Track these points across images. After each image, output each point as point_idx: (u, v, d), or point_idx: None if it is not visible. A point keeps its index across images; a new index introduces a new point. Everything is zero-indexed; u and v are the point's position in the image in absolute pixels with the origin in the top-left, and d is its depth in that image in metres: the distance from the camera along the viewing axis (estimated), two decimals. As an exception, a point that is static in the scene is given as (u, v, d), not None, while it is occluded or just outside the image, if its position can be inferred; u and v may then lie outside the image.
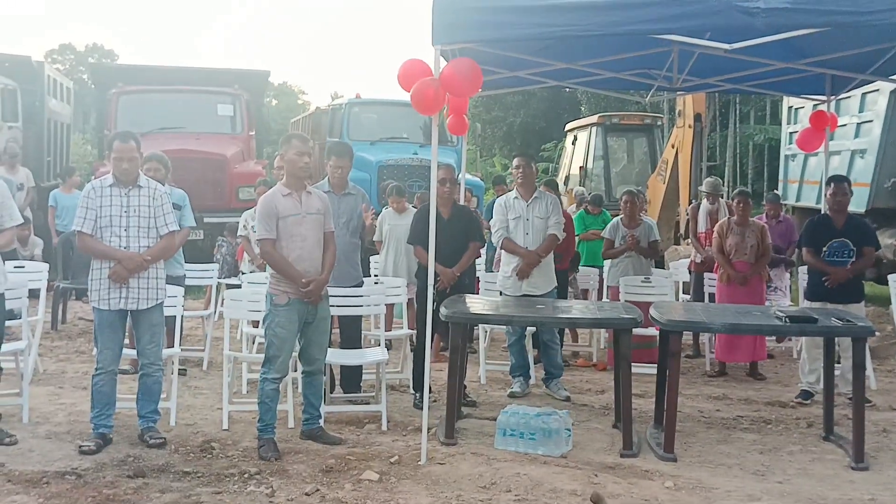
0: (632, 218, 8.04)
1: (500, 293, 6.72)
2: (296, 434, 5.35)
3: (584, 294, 8.76)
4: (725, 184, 28.74)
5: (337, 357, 5.96)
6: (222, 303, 7.25)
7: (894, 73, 7.04)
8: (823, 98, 7.78)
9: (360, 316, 6.28)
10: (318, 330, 5.18)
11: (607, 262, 8.38)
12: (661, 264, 10.39)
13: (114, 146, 5.18)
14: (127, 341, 5.40)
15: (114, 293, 5.02)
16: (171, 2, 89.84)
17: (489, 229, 8.80)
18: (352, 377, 6.21)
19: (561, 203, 7.42)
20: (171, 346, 5.82)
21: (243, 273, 7.98)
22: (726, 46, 5.20)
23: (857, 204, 11.28)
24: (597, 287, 8.82)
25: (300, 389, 5.47)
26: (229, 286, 8.18)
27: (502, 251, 6.72)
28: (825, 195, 6.65)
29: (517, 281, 6.51)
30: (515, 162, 6.76)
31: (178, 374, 5.98)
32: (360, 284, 6.19)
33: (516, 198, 6.62)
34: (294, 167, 5.09)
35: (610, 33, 5.10)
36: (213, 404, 6.02)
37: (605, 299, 8.65)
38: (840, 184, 6.50)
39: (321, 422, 5.32)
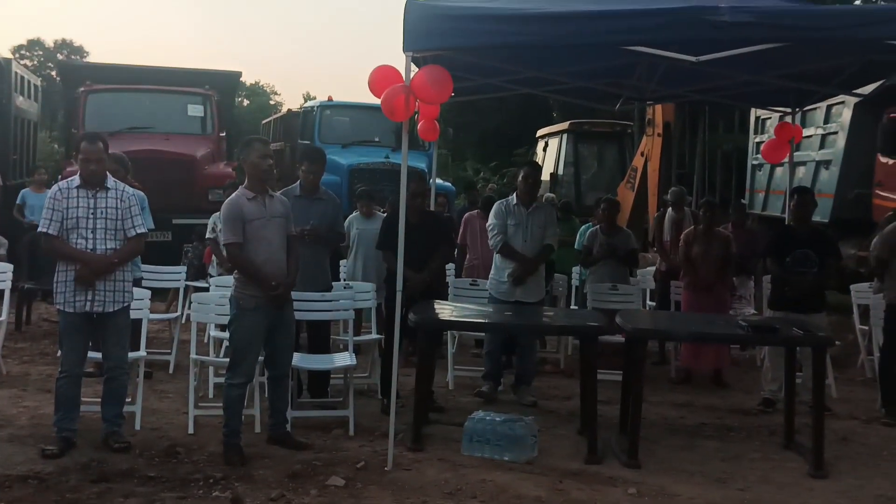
0: (611, 225, 8.08)
1: (490, 298, 6.75)
2: (262, 439, 5.33)
3: (554, 300, 8.83)
4: (694, 192, 29.04)
5: (305, 362, 5.95)
6: (189, 305, 7.21)
7: (857, 87, 7.20)
8: (788, 110, 7.91)
9: (329, 321, 6.27)
10: (284, 334, 5.17)
11: (577, 270, 8.45)
12: (634, 271, 10.50)
13: (81, 147, 5.14)
14: (92, 344, 5.34)
15: (79, 296, 4.98)
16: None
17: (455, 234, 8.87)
18: (319, 382, 6.20)
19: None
20: (136, 349, 5.77)
21: (211, 276, 7.93)
22: (692, 59, 5.28)
23: (822, 214, 11.49)
24: (565, 293, 8.89)
25: (266, 394, 5.45)
26: (196, 289, 8.14)
27: (496, 256, 6.74)
28: (789, 206, 6.77)
29: (511, 287, 6.55)
30: (525, 171, 6.82)
31: (144, 377, 5.94)
32: (328, 289, 6.19)
33: (517, 204, 6.65)
34: (258, 170, 5.07)
35: (578, 43, 5.16)
36: (178, 408, 5.98)
37: (573, 306, 8.73)
38: (803, 195, 6.63)
39: (287, 427, 5.31)
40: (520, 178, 6.78)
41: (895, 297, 6.49)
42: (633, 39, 5.02)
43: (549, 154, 15.84)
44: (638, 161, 12.80)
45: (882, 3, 31.71)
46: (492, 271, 6.78)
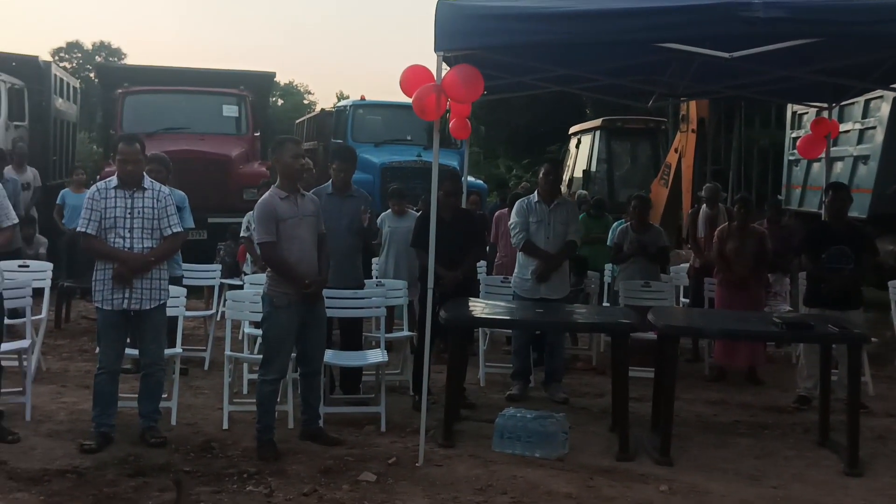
0: (641, 223, 8.04)
1: (514, 295, 6.76)
2: (295, 435, 5.40)
3: (587, 297, 8.81)
4: (729, 188, 28.79)
5: (337, 358, 6.01)
6: (224, 303, 7.30)
7: (893, 82, 7.07)
8: (825, 105, 7.81)
9: (361, 318, 6.33)
10: (316, 331, 5.24)
11: (609, 267, 8.42)
12: (663, 269, 10.43)
13: (119, 148, 5.25)
14: (129, 341, 5.45)
15: (117, 293, 5.08)
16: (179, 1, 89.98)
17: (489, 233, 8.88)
18: (351, 378, 6.26)
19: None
20: (173, 346, 5.87)
21: (245, 274, 8.03)
22: (726, 55, 5.23)
23: (859, 210, 11.31)
24: (597, 291, 8.86)
25: (299, 390, 5.51)
26: (231, 287, 8.25)
27: (519, 253, 6.75)
28: (824, 202, 6.69)
29: (535, 284, 6.56)
30: (546, 168, 6.82)
31: (180, 373, 6.04)
32: (361, 286, 6.24)
33: (538, 201, 6.66)
34: (291, 170, 5.14)
35: (611, 41, 5.15)
36: (213, 404, 6.07)
37: (605, 303, 8.69)
38: (839, 191, 6.54)
39: (320, 422, 5.38)
40: (541, 174, 6.78)
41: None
42: (665, 36, 4.97)
43: (582, 151, 15.78)
44: (672, 157, 12.70)
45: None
46: (516, 269, 6.79)
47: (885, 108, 11.12)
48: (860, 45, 6.04)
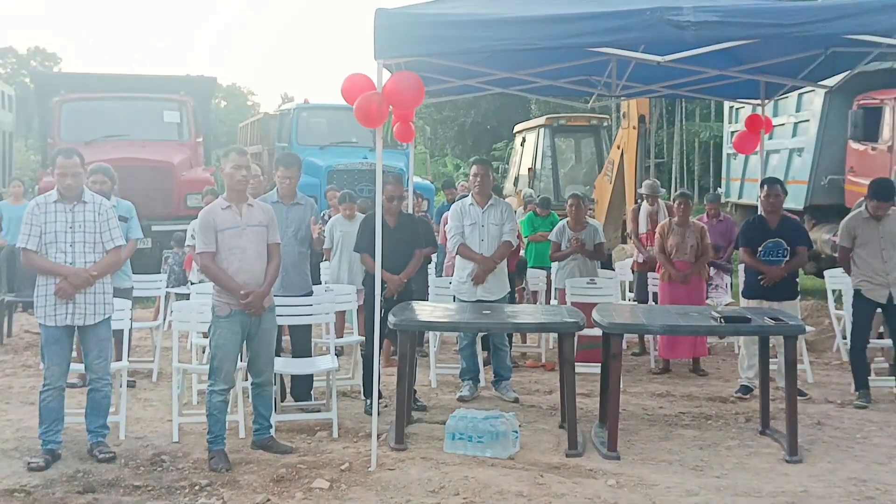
0: (577, 221, 8.19)
1: (455, 298, 6.83)
2: (247, 444, 5.40)
3: (534, 296, 8.93)
4: (672, 181, 29.37)
5: (287, 366, 6.02)
6: (171, 313, 7.25)
7: (823, 79, 7.33)
8: (759, 101, 8.03)
9: (310, 324, 6.34)
10: (264, 342, 5.23)
11: (554, 265, 8.56)
12: (608, 264, 10.62)
13: (57, 162, 5.17)
14: (75, 355, 5.39)
15: (60, 309, 5.02)
16: (118, 4, 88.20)
17: (438, 233, 8.95)
18: (302, 385, 6.26)
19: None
20: (118, 359, 5.82)
21: (192, 283, 7.97)
22: (658, 59, 5.37)
23: (796, 201, 11.68)
24: (545, 288, 8.99)
25: (250, 400, 5.51)
26: (178, 296, 8.19)
27: (456, 256, 6.82)
28: (759, 197, 6.90)
29: (472, 286, 6.63)
30: (474, 169, 6.85)
31: (128, 386, 5.99)
32: (309, 293, 6.25)
33: (472, 204, 6.72)
34: (232, 181, 5.14)
35: (548, 47, 5.23)
36: (162, 416, 6.02)
37: (553, 301, 8.83)
38: (773, 185, 6.75)
39: (272, 431, 5.38)
40: (470, 176, 6.84)
41: (860, 282, 6.63)
42: (599, 41, 5.10)
43: (527, 149, 15.93)
44: (615, 154, 12.88)
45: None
46: (454, 272, 6.87)
47: (818, 102, 11.50)
48: (789, 44, 6.27)
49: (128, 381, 6.23)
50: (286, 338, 6.51)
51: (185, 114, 12.94)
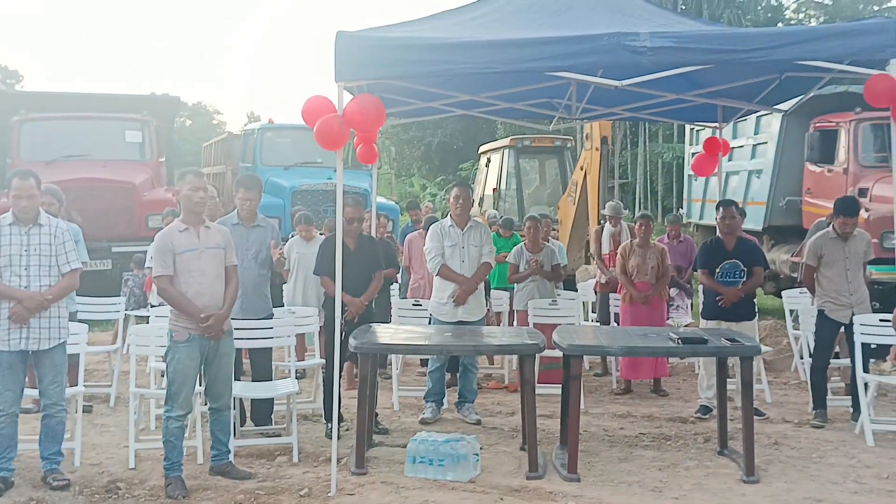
0: (535, 242, 8.23)
1: (431, 320, 6.84)
2: (205, 470, 5.33)
3: (497, 317, 8.95)
4: (636, 201, 29.75)
5: (246, 391, 5.97)
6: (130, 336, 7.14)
7: (778, 102, 7.49)
8: (716, 124, 8.17)
9: (270, 348, 6.29)
10: (222, 366, 5.18)
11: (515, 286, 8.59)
12: (572, 285, 10.69)
13: (13, 184, 5.10)
14: (28, 380, 5.29)
15: (14, 333, 4.93)
16: (80, 22, 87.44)
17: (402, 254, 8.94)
18: (263, 409, 6.21)
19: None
20: (74, 384, 5.72)
21: (152, 305, 7.87)
22: (616, 83, 5.46)
23: (755, 222, 11.88)
24: (508, 310, 9.02)
25: (208, 425, 5.45)
26: (138, 319, 8.08)
27: (436, 278, 6.83)
28: (716, 219, 7.00)
29: (453, 307, 6.64)
30: (455, 192, 6.90)
31: (83, 411, 5.89)
32: (269, 316, 6.21)
33: (452, 225, 6.76)
34: (189, 202, 5.10)
35: (508, 70, 5.30)
36: (119, 442, 5.93)
37: (513, 322, 8.86)
38: (728, 207, 6.86)
39: (230, 457, 5.32)
40: (451, 199, 6.89)
41: (824, 303, 6.74)
42: (558, 66, 5.17)
43: (492, 170, 16.00)
44: (578, 175, 12.99)
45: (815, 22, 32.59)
46: (433, 293, 6.88)
47: (776, 125, 11.73)
48: (744, 69, 6.40)
49: (84, 406, 6.13)
50: (246, 361, 6.46)
51: (147, 133, 12.82)
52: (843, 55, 5.21)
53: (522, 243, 8.31)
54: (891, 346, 7.00)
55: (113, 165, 12.03)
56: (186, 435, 5.44)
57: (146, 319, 7.56)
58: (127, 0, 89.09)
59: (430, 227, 6.98)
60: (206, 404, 5.45)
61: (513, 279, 8.29)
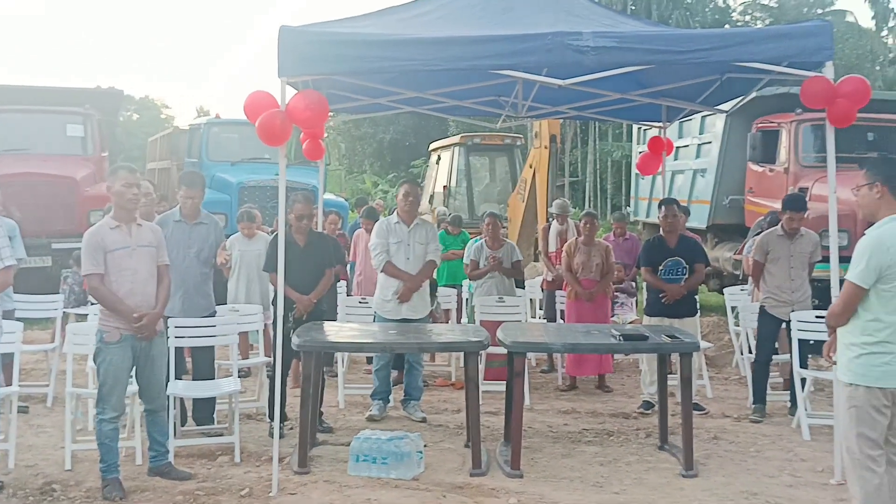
0: (494, 239, 8.25)
1: (376, 317, 6.80)
2: (143, 471, 5.23)
3: (445, 314, 8.95)
4: (586, 199, 30.01)
5: (188, 389, 5.88)
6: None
7: (720, 103, 7.61)
8: (660, 124, 8.28)
9: (212, 346, 6.20)
10: (155, 367, 5.08)
11: (473, 283, 8.59)
12: (520, 282, 10.75)
13: (-57, 180, 4.95)
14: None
15: (-56, 333, 4.79)
16: (26, 13, 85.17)
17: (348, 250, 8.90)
18: (205, 408, 6.12)
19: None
20: (9, 384, 5.58)
21: (92, 303, 7.70)
22: (560, 82, 5.50)
23: (699, 220, 12.08)
24: (456, 306, 9.03)
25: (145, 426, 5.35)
26: (78, 317, 7.91)
27: (380, 274, 6.80)
28: (658, 217, 7.10)
29: (398, 305, 6.61)
30: (404, 188, 6.86)
31: (19, 411, 5.74)
32: (212, 314, 6.13)
33: (398, 222, 6.72)
34: (122, 199, 4.96)
35: (452, 68, 5.30)
36: (56, 443, 5.79)
37: (464, 318, 8.88)
38: (670, 206, 6.96)
39: (169, 457, 5.23)
40: (400, 195, 6.87)
41: (766, 299, 6.90)
42: (502, 63, 5.19)
43: (442, 167, 16.01)
44: (527, 173, 13.08)
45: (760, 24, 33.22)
46: (377, 290, 6.85)
47: (720, 124, 11.92)
48: (686, 70, 6.49)
49: (20, 406, 5.97)
50: (188, 359, 6.37)
51: (89, 127, 12.54)
52: (781, 57, 5.31)
53: (483, 240, 8.31)
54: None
55: (54, 160, 11.75)
56: (125, 435, 5.36)
57: (86, 318, 7.40)
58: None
59: (376, 224, 6.95)
60: (142, 405, 5.35)
61: (473, 275, 8.29)
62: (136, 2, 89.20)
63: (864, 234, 3.98)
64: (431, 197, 15.98)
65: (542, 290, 9.04)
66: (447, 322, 8.61)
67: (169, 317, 5.31)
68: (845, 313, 3.96)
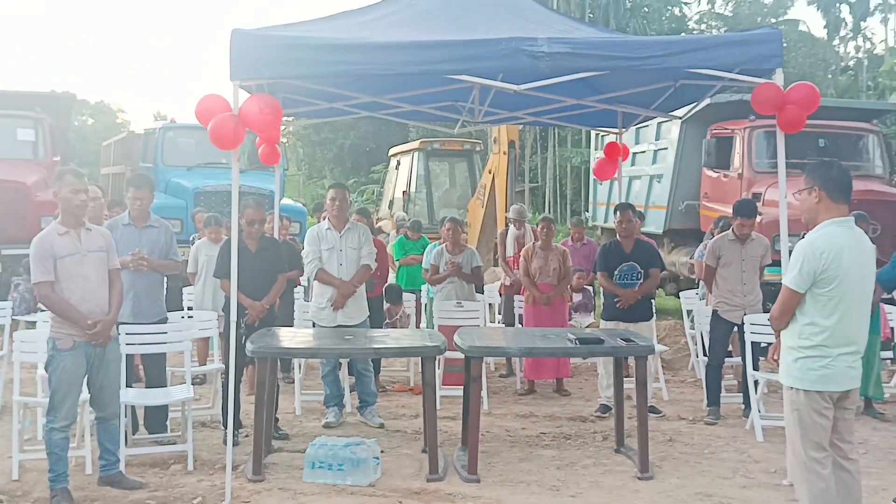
0: (455, 244, 8.24)
1: (314, 324, 6.75)
2: (93, 481, 5.12)
3: (406, 318, 8.92)
4: (546, 205, 30.18)
5: (139, 397, 5.78)
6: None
7: (674, 109, 7.70)
8: (616, 130, 8.35)
9: (164, 353, 6.10)
10: (109, 373, 4.99)
11: (432, 288, 8.59)
12: (481, 287, 10.75)
13: None
14: None
15: None
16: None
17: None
18: (156, 417, 6.01)
19: (374, 230, 7.50)
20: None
21: (42, 310, 7.54)
22: (515, 87, 5.52)
23: (656, 225, 12.21)
24: (415, 311, 9.01)
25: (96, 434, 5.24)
26: (28, 324, 7.75)
27: (314, 282, 6.74)
28: (614, 222, 7.16)
29: (332, 312, 6.56)
30: (331, 193, 6.77)
31: (-35, 422, 5.60)
32: (164, 320, 6.03)
33: (329, 228, 6.66)
34: (70, 205, 4.86)
35: (406, 72, 5.30)
36: (3, 453, 5.64)
37: (423, 323, 8.86)
38: (625, 211, 7.02)
39: (120, 466, 5.13)
40: (327, 201, 6.78)
41: (718, 303, 6.98)
42: (457, 69, 5.20)
43: (402, 172, 16.00)
44: (486, 178, 13.11)
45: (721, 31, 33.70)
46: (312, 298, 6.79)
47: (675, 131, 12.07)
48: (640, 76, 6.56)
49: (-35, 416, 5.82)
50: (140, 366, 6.26)
51: (41, 131, 12.26)
52: (733, 64, 5.39)
53: (443, 245, 8.29)
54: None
55: (4, 164, 11.47)
56: (74, 444, 5.24)
57: (35, 325, 7.24)
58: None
59: (308, 231, 6.89)
60: (93, 413, 5.24)
61: (432, 280, 8.28)
62: (95, 6, 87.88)
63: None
64: (391, 202, 15.96)
65: (500, 294, 9.05)
66: (408, 327, 8.58)
67: (119, 323, 5.21)
68: (783, 317, 4.02)
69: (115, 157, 16.81)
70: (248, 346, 5.30)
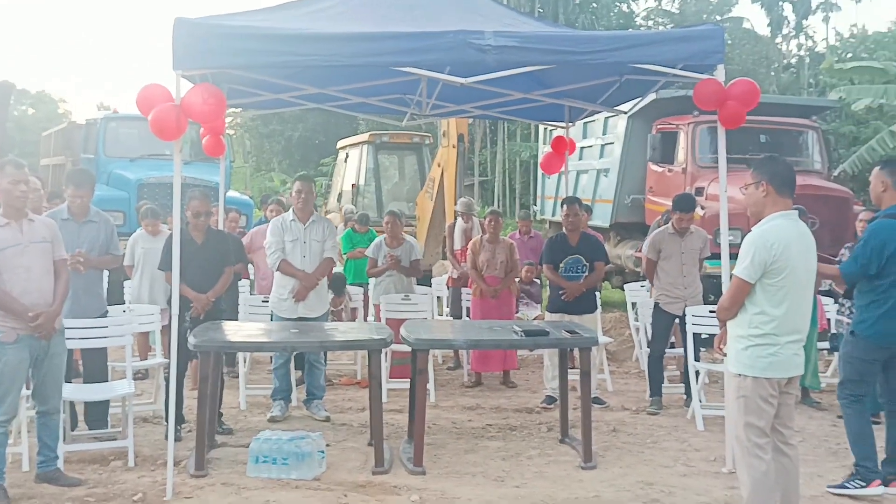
0: (394, 237, 8.24)
1: (272, 316, 6.68)
2: (30, 478, 5.01)
3: (353, 312, 8.89)
4: (495, 198, 30.38)
5: (78, 392, 5.66)
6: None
7: (619, 104, 7.79)
8: (563, 124, 8.42)
9: (104, 348, 5.99)
10: (52, 367, 4.88)
11: (372, 281, 8.58)
12: (427, 280, 10.76)
13: None
14: None
15: None
16: None
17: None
18: (97, 412, 5.90)
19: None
20: None
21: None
22: (462, 80, 5.52)
23: (603, 219, 12.35)
24: (362, 303, 8.98)
25: (36, 430, 5.12)
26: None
27: (276, 273, 6.68)
28: (561, 215, 7.22)
29: (293, 303, 6.51)
30: (297, 186, 6.76)
31: None
32: (104, 315, 5.91)
33: (293, 220, 6.62)
34: (10, 196, 4.74)
35: (352, 64, 5.26)
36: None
37: (370, 317, 8.84)
38: (572, 205, 7.09)
39: (59, 463, 5.02)
40: (293, 193, 6.77)
41: (659, 296, 7.09)
42: (403, 61, 5.18)
43: (351, 165, 15.88)
44: (435, 172, 13.10)
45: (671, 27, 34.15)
46: (273, 289, 6.75)
47: (622, 125, 12.21)
48: (587, 71, 6.61)
49: None
50: (79, 360, 6.13)
51: (-24, 121, 11.92)
52: (676, 60, 5.47)
53: (382, 238, 8.28)
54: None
55: (-64, 155, 11.13)
56: (11, 441, 5.11)
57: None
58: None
59: (271, 222, 6.85)
60: (33, 408, 5.11)
61: (371, 273, 8.27)
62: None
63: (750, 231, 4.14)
64: (340, 195, 15.85)
65: (448, 287, 9.07)
66: (354, 320, 8.56)
67: (60, 319, 5.08)
68: (733, 307, 4.11)
69: (56, 147, 16.41)
70: (191, 340, 5.23)
